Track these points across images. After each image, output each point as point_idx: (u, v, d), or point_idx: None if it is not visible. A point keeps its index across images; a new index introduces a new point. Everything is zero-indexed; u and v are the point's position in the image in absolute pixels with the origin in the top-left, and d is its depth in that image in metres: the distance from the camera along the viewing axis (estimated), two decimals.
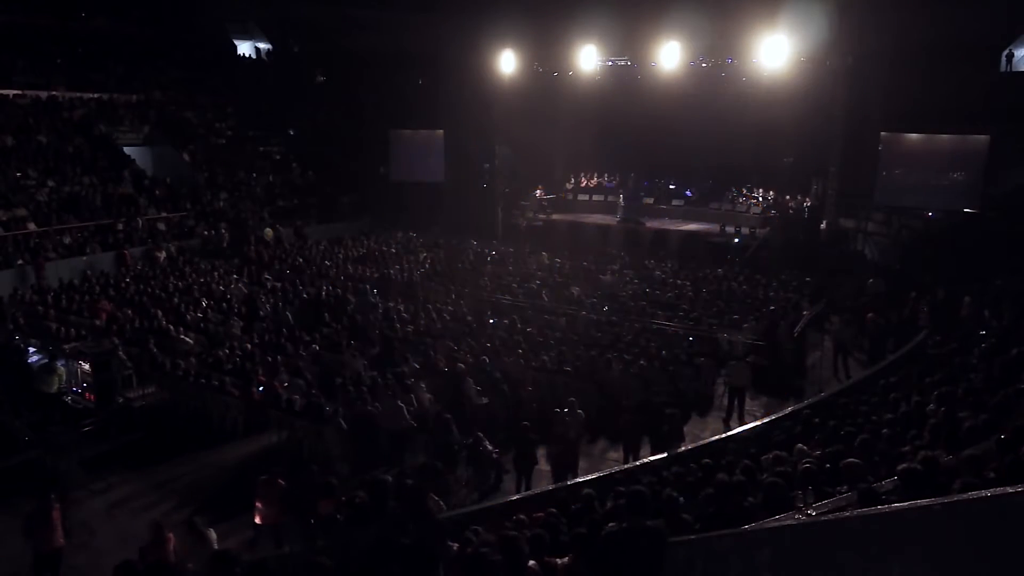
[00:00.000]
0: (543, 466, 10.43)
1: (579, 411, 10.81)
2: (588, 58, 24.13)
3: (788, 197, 24.77)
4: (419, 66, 29.60)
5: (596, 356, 13.27)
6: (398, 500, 5.59)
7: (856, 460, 6.52)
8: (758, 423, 10.97)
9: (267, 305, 17.30)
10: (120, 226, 22.75)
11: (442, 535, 5.41)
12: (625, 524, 4.37)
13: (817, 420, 9.58)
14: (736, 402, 12.69)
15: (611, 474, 9.14)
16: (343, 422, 10.80)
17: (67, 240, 21.38)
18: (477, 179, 28.18)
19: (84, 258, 20.94)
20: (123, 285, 18.73)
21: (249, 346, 14.26)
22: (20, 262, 19.70)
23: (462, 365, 12.55)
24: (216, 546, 6.77)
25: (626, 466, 9.77)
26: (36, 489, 8.31)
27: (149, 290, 18.28)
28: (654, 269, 21.35)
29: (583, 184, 29.08)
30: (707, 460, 8.36)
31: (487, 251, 23.91)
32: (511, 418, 11.58)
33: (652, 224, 25.54)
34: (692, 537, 4.48)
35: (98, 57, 30.89)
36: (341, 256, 23.22)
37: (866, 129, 21.35)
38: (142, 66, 31.63)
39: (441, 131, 28.22)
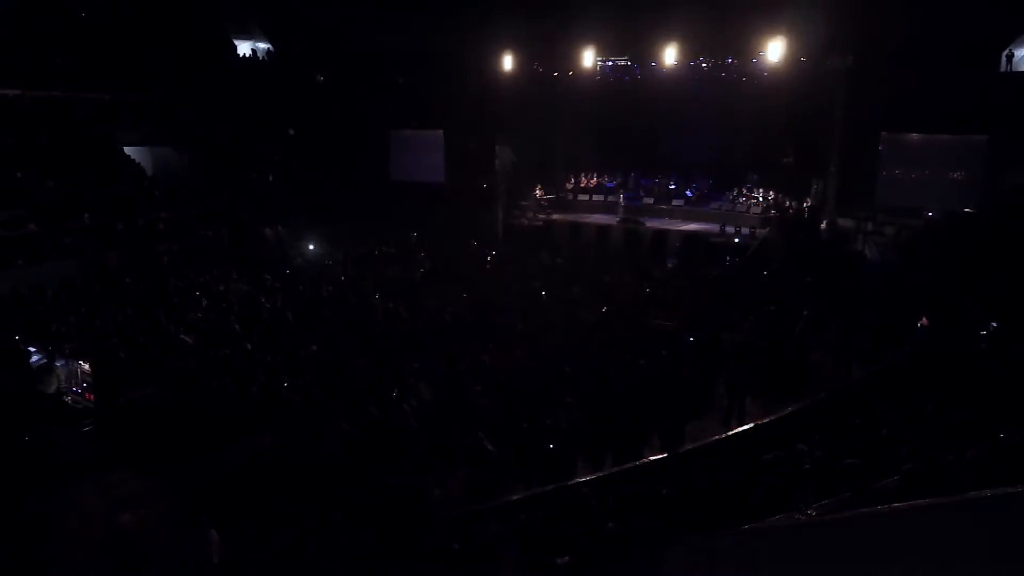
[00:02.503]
0: None
1: (576, 413, 10.78)
2: (588, 58, 24.15)
3: (788, 197, 24.78)
4: (419, 66, 29.58)
5: (596, 356, 13.26)
6: (398, 500, 5.60)
7: (856, 460, 6.52)
8: (758, 423, 10.97)
9: (267, 305, 17.30)
10: (120, 226, 22.75)
11: (441, 534, 5.42)
12: (625, 524, 4.37)
13: (817, 420, 9.59)
14: (736, 402, 12.68)
15: (611, 474, 9.13)
16: (344, 422, 10.79)
17: (67, 240, 21.37)
18: (477, 179, 28.17)
19: (83, 259, 20.93)
20: (123, 285, 18.71)
21: (249, 346, 14.26)
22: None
23: (462, 365, 12.54)
24: (217, 546, 6.76)
25: (626, 466, 9.76)
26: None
27: (149, 290, 18.28)
28: (654, 269, 21.34)
29: (583, 184, 29.03)
30: (707, 460, 8.37)
31: (487, 251, 23.89)
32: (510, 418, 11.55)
33: (652, 224, 25.52)
34: (692, 537, 4.48)
35: (98, 57, 30.86)
36: (341, 256, 23.21)
37: (866, 129, 21.35)
38: (142, 66, 31.60)
39: (441, 131, 28.22)
